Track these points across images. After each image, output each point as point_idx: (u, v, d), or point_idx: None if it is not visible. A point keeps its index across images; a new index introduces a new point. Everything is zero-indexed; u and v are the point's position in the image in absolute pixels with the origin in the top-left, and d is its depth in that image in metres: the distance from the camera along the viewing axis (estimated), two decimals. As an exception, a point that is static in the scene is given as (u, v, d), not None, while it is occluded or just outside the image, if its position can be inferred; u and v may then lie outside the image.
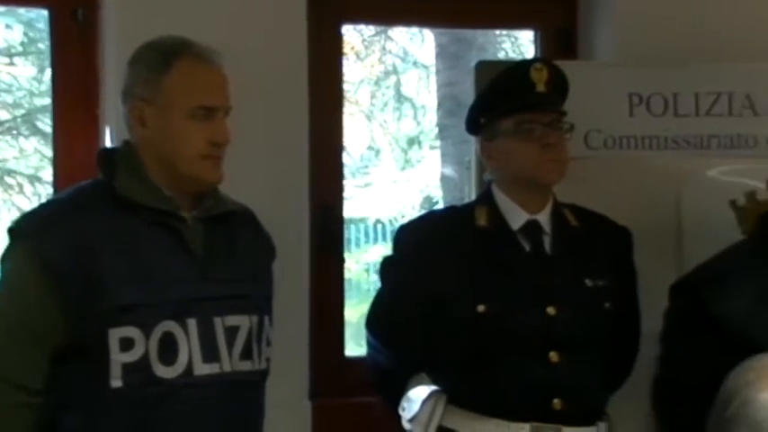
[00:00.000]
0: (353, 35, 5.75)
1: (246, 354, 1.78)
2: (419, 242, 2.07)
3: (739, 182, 2.38)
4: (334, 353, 2.45)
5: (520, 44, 4.89)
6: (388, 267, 2.13)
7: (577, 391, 1.96)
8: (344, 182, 2.62)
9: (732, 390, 1.23)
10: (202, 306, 1.72)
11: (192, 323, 1.70)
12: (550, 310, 1.97)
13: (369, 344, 2.12)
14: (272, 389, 1.90)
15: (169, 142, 1.73)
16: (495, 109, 2.03)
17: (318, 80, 2.47)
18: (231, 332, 1.75)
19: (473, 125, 2.12)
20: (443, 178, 5.02)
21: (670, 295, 2.19)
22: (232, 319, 1.76)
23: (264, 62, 2.39)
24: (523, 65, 2.05)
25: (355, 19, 2.94)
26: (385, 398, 2.11)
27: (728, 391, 1.23)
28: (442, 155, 4.94)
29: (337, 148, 2.52)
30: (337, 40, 2.57)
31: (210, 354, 1.72)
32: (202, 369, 1.71)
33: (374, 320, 2.11)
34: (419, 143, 7.85)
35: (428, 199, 7.19)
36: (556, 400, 1.94)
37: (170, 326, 1.68)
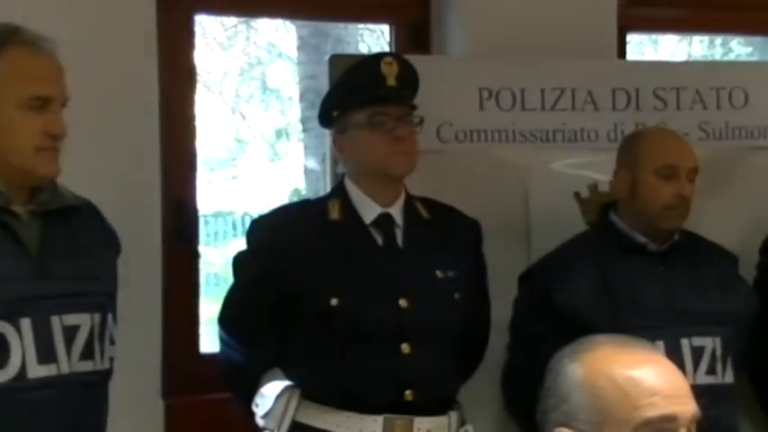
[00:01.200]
0: (215, 25, 5.65)
1: (87, 353, 1.71)
2: (272, 236, 2.05)
3: (583, 174, 2.48)
4: (189, 350, 2.40)
5: (382, 38, 4.94)
6: (241, 262, 2.10)
7: (428, 382, 1.99)
8: (211, 175, 2.56)
9: (550, 366, 1.29)
10: (38, 305, 1.65)
11: (25, 323, 1.63)
12: (402, 303, 2.00)
13: (221, 340, 2.09)
14: (123, 388, 1.85)
15: (0, 134, 1.66)
16: (347, 102, 2.04)
17: (170, 71, 2.41)
18: (70, 331, 1.69)
19: (326, 118, 2.12)
20: (307, 171, 5.01)
21: (518, 285, 2.27)
22: (71, 318, 1.69)
23: (112, 52, 2.31)
24: (374, 59, 2.06)
25: (210, 9, 2.89)
26: (238, 394, 2.09)
27: (547, 368, 1.29)
28: (306, 147, 4.93)
29: (190, 140, 2.47)
30: (190, 29, 2.51)
31: (47, 355, 1.65)
32: (38, 371, 1.64)
33: (226, 316, 2.08)
34: (287, 135, 7.80)
35: (297, 191, 7.16)
36: (408, 392, 1.96)
37: (1, 326, 1.61)
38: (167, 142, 2.40)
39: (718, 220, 2.44)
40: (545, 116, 2.46)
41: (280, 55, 6.54)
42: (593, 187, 2.47)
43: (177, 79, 2.43)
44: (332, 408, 1.97)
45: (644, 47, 3.63)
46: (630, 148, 2.18)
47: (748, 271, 2.36)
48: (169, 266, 2.41)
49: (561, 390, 1.26)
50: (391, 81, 2.03)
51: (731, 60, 2.85)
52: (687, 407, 1.23)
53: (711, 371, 2.09)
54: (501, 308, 2.24)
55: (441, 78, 2.36)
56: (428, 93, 2.19)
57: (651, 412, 1.21)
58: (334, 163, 2.30)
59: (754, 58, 3.07)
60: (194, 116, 2.47)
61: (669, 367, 1.27)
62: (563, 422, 1.25)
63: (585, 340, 1.30)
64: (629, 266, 2.14)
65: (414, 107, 2.07)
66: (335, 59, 2.32)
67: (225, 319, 2.09)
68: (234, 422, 2.18)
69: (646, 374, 1.24)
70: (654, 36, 3.32)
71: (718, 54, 3.76)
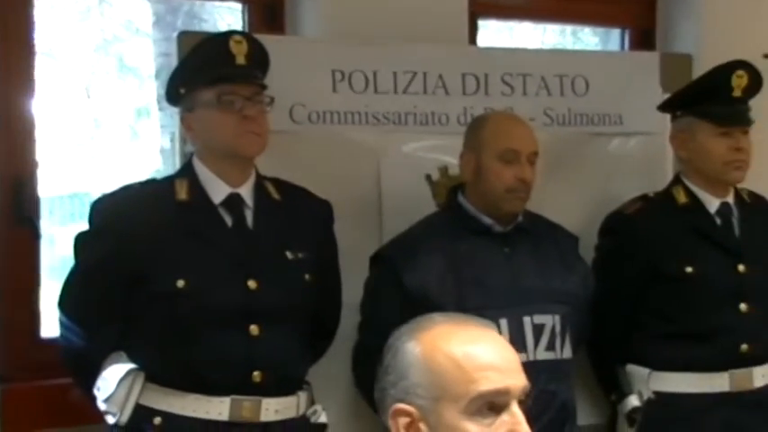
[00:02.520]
0: (68, 1, 5.40)
1: None
2: (115, 216, 1.99)
3: (433, 157, 2.52)
4: (28, 334, 2.30)
5: (240, 16, 4.85)
6: (82, 243, 2.03)
7: (277, 364, 1.99)
8: (68, 155, 2.44)
9: (388, 344, 1.31)
10: None
11: None
12: (251, 284, 1.98)
13: (61, 324, 2.02)
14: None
15: None
16: (195, 80, 2.00)
17: (6, 49, 2.29)
18: None
19: (173, 96, 2.07)
20: (162, 150, 4.88)
21: (369, 266, 2.29)
22: None
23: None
24: (223, 37, 2.03)
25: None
26: (79, 379, 2.03)
27: (386, 346, 1.31)
28: (161, 126, 4.80)
29: (28, 119, 2.35)
30: (29, 4, 2.38)
31: None
32: None
33: (66, 300, 2.01)
34: (148, 114, 7.57)
35: (159, 172, 6.97)
36: (256, 373, 1.96)
37: None
38: (4, 120, 2.28)
39: (560, 202, 2.54)
40: (397, 99, 2.47)
41: (137, 32, 6.32)
42: (444, 170, 2.52)
43: (14, 59, 2.31)
44: (177, 390, 1.94)
45: (501, 33, 3.72)
46: (475, 133, 2.23)
47: (588, 251, 2.47)
48: (8, 249, 2.30)
49: (400, 367, 1.28)
50: (240, 60, 2.00)
51: (574, 49, 2.95)
52: (519, 380, 1.28)
53: (551, 347, 2.18)
54: (352, 289, 2.26)
55: (293, 59, 2.34)
56: (281, 73, 2.18)
57: (486, 386, 1.24)
58: (183, 142, 2.25)
59: (599, 49, 3.19)
60: (32, 95, 2.35)
61: (502, 343, 1.31)
62: (402, 398, 1.27)
63: (422, 319, 1.33)
64: (475, 248, 2.20)
65: (264, 87, 2.05)
66: (184, 36, 2.27)
67: (64, 303, 2.02)
68: (76, 407, 2.11)
69: (481, 350, 1.27)
70: (511, 24, 3.39)
71: (569, 43, 3.91)
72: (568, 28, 3.76)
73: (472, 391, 1.24)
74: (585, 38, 3.84)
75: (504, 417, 1.25)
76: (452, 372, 1.25)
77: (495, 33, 3.40)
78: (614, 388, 2.42)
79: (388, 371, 1.29)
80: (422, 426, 1.25)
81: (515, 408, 1.26)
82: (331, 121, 2.43)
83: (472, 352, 1.26)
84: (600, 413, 2.54)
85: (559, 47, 3.29)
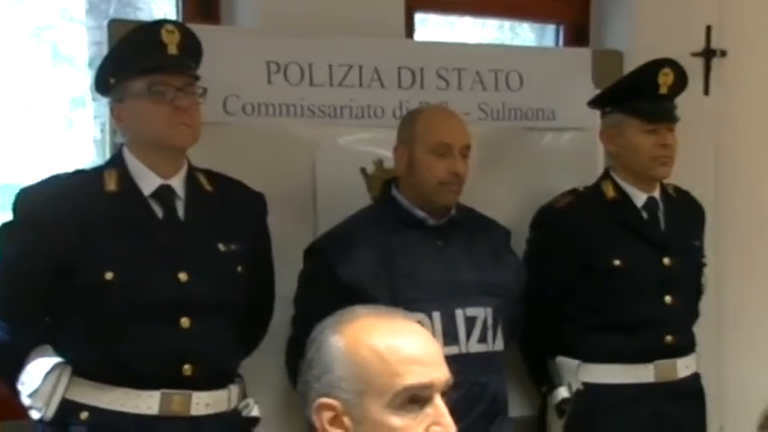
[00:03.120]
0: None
1: None
2: (41, 207, 1.95)
3: (369, 150, 2.52)
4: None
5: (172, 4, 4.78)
6: (7, 234, 1.99)
7: (208, 357, 1.97)
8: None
9: (312, 337, 1.31)
10: None
11: None
12: (182, 276, 1.97)
13: (-16, 317, 1.97)
14: None
15: None
16: (125, 70, 1.97)
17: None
18: None
19: (102, 86, 2.04)
20: (96, 141, 4.80)
21: (303, 258, 2.29)
22: None
23: None
24: (154, 26, 2.00)
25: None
26: (2, 374, 1.98)
27: (309, 340, 1.31)
28: (95, 117, 4.71)
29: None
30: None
31: None
32: None
33: None
34: (83, 104, 7.44)
35: (94, 163, 6.85)
36: (186, 366, 1.94)
37: None
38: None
39: (494, 196, 2.57)
40: (333, 92, 2.47)
41: (71, 19, 6.20)
42: (379, 163, 2.53)
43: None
44: (105, 384, 1.92)
45: (441, 28, 3.73)
46: (408, 126, 2.24)
47: (521, 245, 2.50)
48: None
49: (324, 361, 1.28)
50: (172, 50, 1.97)
51: (508, 45, 2.98)
52: (442, 373, 1.29)
53: (483, 339, 2.20)
54: (286, 282, 2.26)
55: (228, 50, 2.32)
56: (214, 64, 2.16)
57: (411, 380, 1.25)
58: (114, 132, 2.22)
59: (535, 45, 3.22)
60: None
61: (425, 335, 1.32)
62: (326, 392, 1.27)
63: (345, 312, 1.33)
64: (408, 241, 2.21)
65: (196, 77, 2.03)
66: (114, 24, 2.23)
67: (-13, 296, 1.97)
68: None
69: (404, 343, 1.28)
70: (452, 18, 3.40)
71: (507, 39, 3.93)
72: (506, 24, 3.79)
73: (397, 384, 1.24)
74: (523, 33, 3.87)
75: (428, 410, 1.26)
76: (376, 365, 1.25)
77: (435, 28, 3.41)
78: (545, 380, 2.46)
79: (312, 365, 1.29)
80: (346, 420, 1.25)
81: (439, 401, 1.27)
82: (266, 113, 2.41)
83: (396, 345, 1.27)
84: (531, 405, 2.58)
85: (498, 42, 3.31)
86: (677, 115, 2.38)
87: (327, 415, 1.26)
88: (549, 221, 2.46)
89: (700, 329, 2.55)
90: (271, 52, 2.41)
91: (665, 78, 2.35)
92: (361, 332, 1.28)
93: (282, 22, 2.49)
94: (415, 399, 1.26)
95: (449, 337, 2.14)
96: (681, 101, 2.43)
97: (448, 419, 1.27)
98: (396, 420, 1.25)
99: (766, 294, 3.01)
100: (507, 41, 3.39)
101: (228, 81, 2.33)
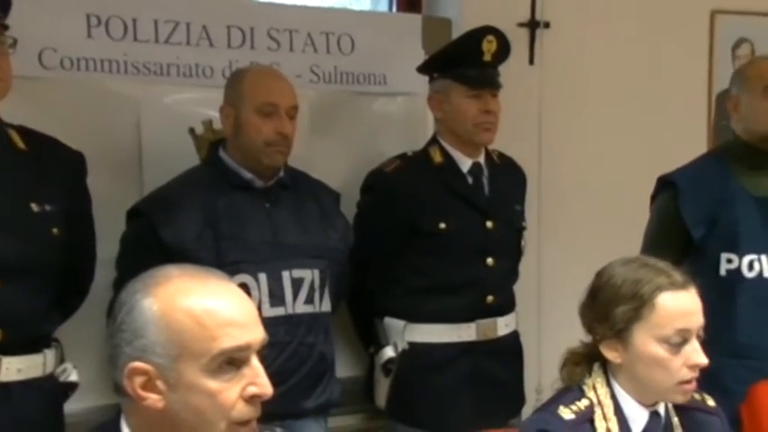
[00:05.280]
0: None
1: None
2: None
3: (197, 110, 2.46)
4: None
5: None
6: None
7: (20, 320, 1.89)
8: None
9: (122, 299, 1.27)
10: None
11: None
12: (-8, 237, 1.86)
13: None
14: None
15: None
16: None
17: None
18: None
19: None
20: None
21: (126, 220, 2.22)
22: None
23: None
24: None
25: None
26: None
27: (119, 302, 1.27)
28: None
29: None
30: None
31: None
32: None
33: None
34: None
35: None
36: (-5, 332, 1.85)
37: None
38: None
39: (325, 159, 2.58)
40: (159, 49, 2.39)
41: None
42: (209, 124, 2.47)
43: None
44: None
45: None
46: (234, 87, 2.20)
47: (351, 208, 2.52)
48: None
49: (136, 324, 1.24)
50: None
51: (341, 8, 2.97)
52: (258, 334, 1.28)
53: (309, 301, 2.21)
54: (109, 243, 2.18)
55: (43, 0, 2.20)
56: (28, 14, 2.04)
57: (228, 343, 1.23)
58: None
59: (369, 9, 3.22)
60: None
61: (240, 296, 1.30)
62: (138, 357, 1.23)
63: (158, 274, 1.29)
64: (235, 202, 2.18)
65: (5, 27, 1.91)
66: None
67: None
68: None
69: (220, 305, 1.26)
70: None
71: (346, 2, 3.91)
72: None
73: (214, 348, 1.23)
74: (359, -2, 3.86)
75: (245, 371, 1.25)
76: (193, 329, 1.23)
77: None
78: (372, 340, 2.50)
79: (122, 327, 1.25)
80: (159, 384, 1.22)
81: (255, 361, 1.26)
82: (86, 69, 2.31)
83: (212, 308, 1.25)
84: (360, 365, 2.62)
85: (336, 6, 3.29)
86: (500, 82, 2.45)
87: (139, 380, 1.23)
88: (378, 185, 2.49)
89: (521, 290, 2.66)
90: (91, 4, 2.31)
91: (489, 46, 2.40)
92: (176, 295, 1.25)
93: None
94: (231, 361, 1.24)
95: (275, 298, 2.14)
96: (507, 70, 2.50)
97: (264, 379, 1.27)
98: (212, 383, 1.23)
99: (586, 257, 3.16)
100: (347, 6, 3.38)
101: (44, 33, 2.22)
